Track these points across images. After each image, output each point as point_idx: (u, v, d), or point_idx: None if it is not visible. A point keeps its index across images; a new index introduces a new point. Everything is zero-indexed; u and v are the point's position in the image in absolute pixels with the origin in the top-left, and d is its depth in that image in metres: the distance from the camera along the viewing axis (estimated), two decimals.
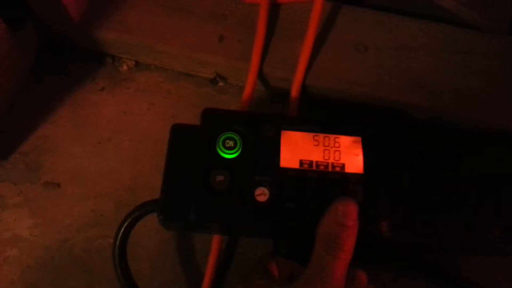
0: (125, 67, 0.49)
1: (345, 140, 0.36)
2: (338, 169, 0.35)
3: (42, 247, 0.42)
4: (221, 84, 0.48)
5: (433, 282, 0.41)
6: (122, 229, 0.36)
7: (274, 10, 0.47)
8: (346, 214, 0.31)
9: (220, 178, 0.34)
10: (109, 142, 0.46)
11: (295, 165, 0.35)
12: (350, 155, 0.36)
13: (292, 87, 0.43)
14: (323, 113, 0.46)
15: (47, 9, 0.45)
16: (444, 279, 0.41)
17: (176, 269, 0.42)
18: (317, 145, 0.36)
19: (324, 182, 0.34)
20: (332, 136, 0.36)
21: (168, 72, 0.49)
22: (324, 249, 0.31)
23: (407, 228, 0.36)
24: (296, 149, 0.35)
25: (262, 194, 0.34)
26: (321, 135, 0.36)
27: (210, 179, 0.34)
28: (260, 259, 0.36)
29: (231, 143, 0.35)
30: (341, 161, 0.35)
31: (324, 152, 0.36)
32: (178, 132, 0.37)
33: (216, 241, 0.40)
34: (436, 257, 0.41)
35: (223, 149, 0.35)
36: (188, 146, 0.36)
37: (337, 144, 0.36)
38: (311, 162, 0.35)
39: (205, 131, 0.35)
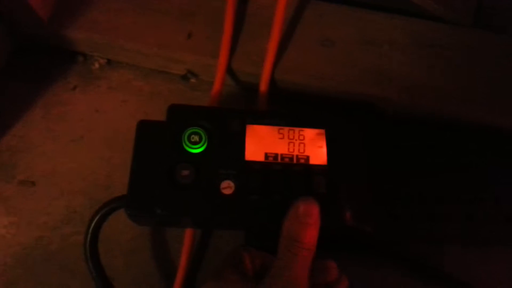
0: (97, 65, 0.50)
1: (309, 133, 0.37)
2: (302, 161, 0.36)
3: (19, 245, 0.43)
4: (193, 80, 0.49)
5: (414, 272, 0.42)
6: (92, 225, 0.37)
7: (241, 6, 0.47)
8: (307, 213, 0.32)
9: (185, 172, 0.35)
10: (81, 140, 0.47)
11: (260, 158, 0.36)
12: (314, 147, 0.36)
13: (261, 81, 0.44)
14: (292, 107, 0.47)
15: (15, 11, 0.45)
16: (423, 268, 0.42)
17: (150, 263, 0.42)
18: (282, 138, 0.37)
19: (289, 174, 0.35)
20: (296, 129, 0.37)
21: (140, 70, 0.50)
22: (286, 247, 0.32)
23: (370, 218, 0.37)
24: (261, 142, 0.36)
25: (227, 187, 0.34)
26: (286, 128, 0.37)
27: (176, 174, 0.34)
28: (232, 251, 0.36)
29: (196, 138, 0.36)
30: (306, 153, 0.36)
31: (289, 145, 0.36)
32: (144, 128, 0.37)
33: (188, 234, 0.41)
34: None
35: (188, 144, 0.35)
36: (154, 142, 0.36)
37: (301, 137, 0.37)
38: (276, 154, 0.36)
39: (170, 126, 0.36)
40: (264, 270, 0.35)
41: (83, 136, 0.47)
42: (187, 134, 0.36)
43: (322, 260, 0.35)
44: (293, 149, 0.36)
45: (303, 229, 0.32)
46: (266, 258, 0.36)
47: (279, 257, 0.32)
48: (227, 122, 0.37)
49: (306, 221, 0.32)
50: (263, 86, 0.44)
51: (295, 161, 0.36)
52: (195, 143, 0.35)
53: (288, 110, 0.47)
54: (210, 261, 0.43)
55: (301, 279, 0.31)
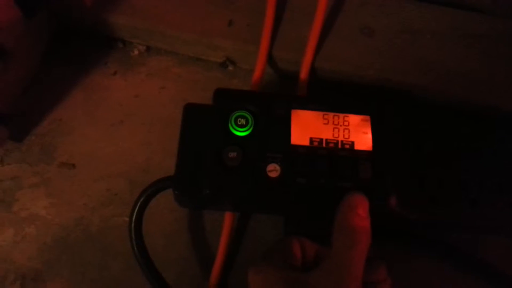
0: (136, 52, 0.50)
1: (354, 119, 0.37)
2: (347, 146, 0.36)
3: (59, 226, 0.44)
4: (230, 68, 0.49)
5: (444, 261, 0.42)
6: (139, 204, 0.37)
7: None
8: (358, 207, 0.32)
9: (233, 154, 0.35)
10: (121, 124, 0.47)
11: (306, 142, 0.36)
12: (359, 133, 0.37)
13: (301, 69, 0.44)
14: (331, 95, 0.47)
15: None
16: (456, 258, 0.42)
17: (190, 246, 0.43)
18: (327, 123, 0.37)
19: (334, 159, 0.35)
20: (341, 115, 0.37)
21: (178, 57, 0.50)
22: (341, 242, 0.32)
23: (415, 204, 0.37)
24: (306, 127, 0.36)
25: (273, 170, 0.35)
26: (331, 114, 0.37)
27: (223, 156, 0.35)
28: (285, 238, 0.36)
29: (243, 121, 0.36)
30: (351, 139, 0.36)
31: (333, 130, 0.37)
32: (191, 111, 0.38)
33: (228, 218, 0.41)
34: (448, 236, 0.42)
35: (235, 127, 0.36)
36: (200, 125, 0.37)
37: (346, 123, 0.37)
38: (321, 139, 0.36)
39: (217, 109, 0.37)
40: (316, 263, 0.35)
41: (123, 121, 0.47)
42: (234, 117, 0.36)
43: (375, 259, 0.34)
44: (338, 135, 0.36)
45: (357, 224, 0.32)
46: (320, 250, 0.36)
47: (333, 253, 0.31)
48: (272, 106, 0.37)
49: (359, 213, 0.32)
50: (304, 74, 0.44)
51: (340, 146, 0.36)
52: (242, 126, 0.36)
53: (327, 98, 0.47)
54: (248, 246, 0.43)
55: (356, 274, 0.31)
